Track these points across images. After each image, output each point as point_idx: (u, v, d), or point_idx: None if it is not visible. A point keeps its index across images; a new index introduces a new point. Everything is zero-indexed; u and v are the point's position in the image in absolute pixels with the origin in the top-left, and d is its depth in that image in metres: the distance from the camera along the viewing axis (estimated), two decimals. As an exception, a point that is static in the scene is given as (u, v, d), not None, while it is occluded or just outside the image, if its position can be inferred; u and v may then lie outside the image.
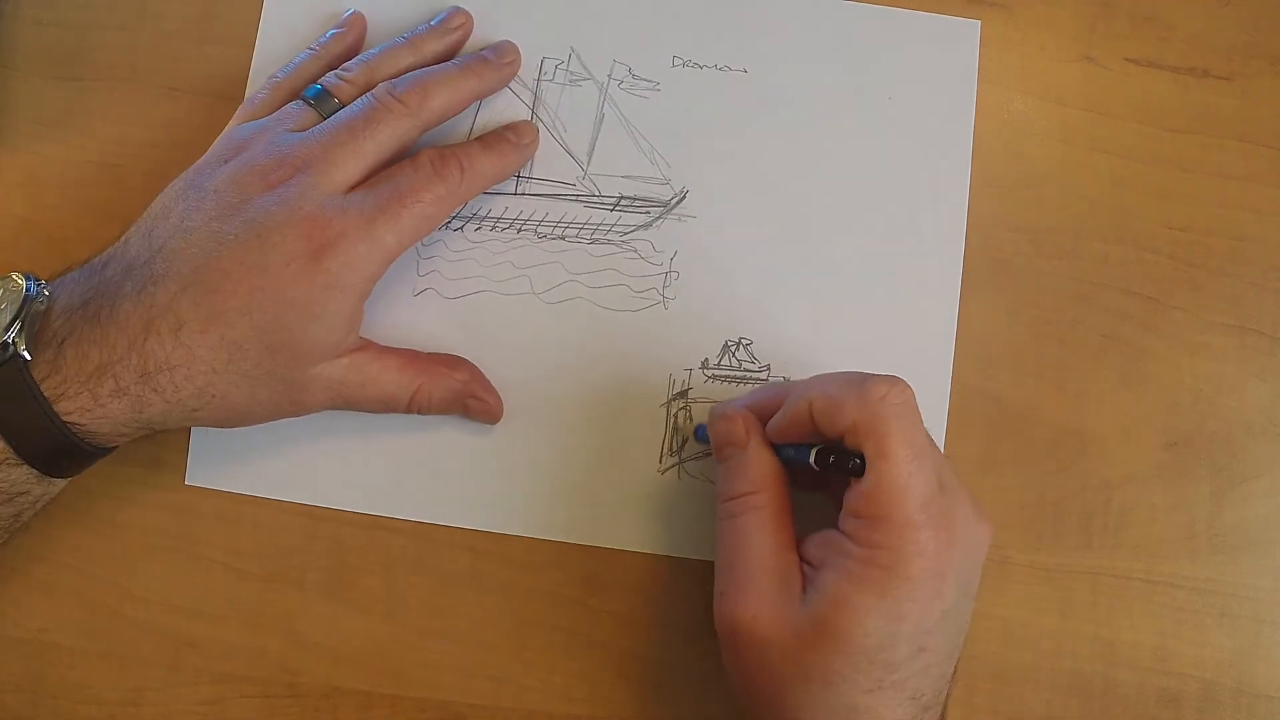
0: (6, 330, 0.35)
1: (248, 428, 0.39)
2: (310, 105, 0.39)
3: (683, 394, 0.42)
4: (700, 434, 0.41)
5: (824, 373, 0.36)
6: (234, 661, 0.42)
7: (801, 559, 0.35)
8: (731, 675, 0.36)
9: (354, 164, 0.37)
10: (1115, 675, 0.41)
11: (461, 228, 0.43)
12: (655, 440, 0.42)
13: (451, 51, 0.43)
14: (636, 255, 0.42)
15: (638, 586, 0.42)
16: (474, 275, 0.42)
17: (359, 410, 0.40)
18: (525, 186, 0.43)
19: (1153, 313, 0.42)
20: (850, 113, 0.43)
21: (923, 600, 0.32)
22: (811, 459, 0.34)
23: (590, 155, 0.43)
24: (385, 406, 0.40)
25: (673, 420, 0.42)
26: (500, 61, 0.42)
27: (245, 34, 0.44)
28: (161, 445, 0.42)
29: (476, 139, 0.42)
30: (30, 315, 0.35)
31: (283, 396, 0.38)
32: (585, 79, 0.43)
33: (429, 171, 0.38)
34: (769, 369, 0.42)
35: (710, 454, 0.40)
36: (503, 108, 0.43)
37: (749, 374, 0.42)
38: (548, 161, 0.43)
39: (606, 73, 0.43)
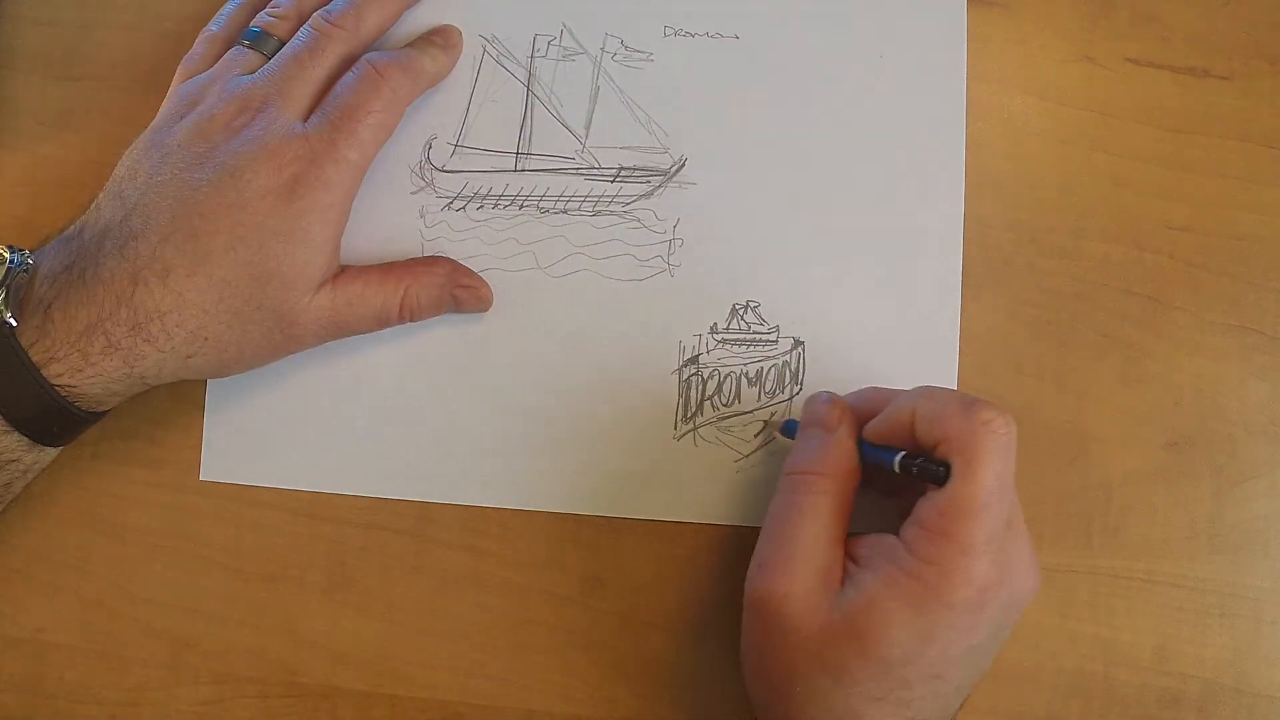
0: None
1: (262, 421, 0.40)
2: (250, 48, 0.40)
3: (694, 360, 0.42)
4: (787, 429, 0.40)
5: (932, 386, 0.36)
6: (234, 661, 0.42)
7: (848, 555, 0.35)
8: (747, 647, 0.36)
9: (306, 92, 0.39)
10: (1115, 675, 0.41)
11: (464, 207, 0.43)
12: (669, 407, 0.42)
13: None
14: (640, 225, 0.43)
15: (638, 586, 0.42)
16: (479, 254, 0.43)
17: (354, 333, 0.41)
18: (525, 163, 0.43)
19: (1153, 313, 0.42)
20: (842, 73, 0.43)
21: (956, 629, 0.32)
22: (896, 462, 0.34)
23: (588, 129, 0.43)
24: (378, 321, 0.40)
25: (685, 386, 0.42)
26: None
27: (245, 34, 0.44)
28: (162, 445, 0.42)
29: (409, 44, 0.42)
30: (14, 284, 0.36)
31: (275, 332, 0.38)
32: (579, 53, 0.43)
33: (374, 76, 0.39)
34: (778, 330, 0.42)
35: (726, 416, 0.41)
36: (498, 86, 0.43)
37: (759, 336, 0.42)
38: (546, 137, 0.43)
39: (599, 46, 0.43)
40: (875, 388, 0.39)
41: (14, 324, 0.35)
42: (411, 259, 0.42)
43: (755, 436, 0.42)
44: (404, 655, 0.42)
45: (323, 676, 0.42)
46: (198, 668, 0.42)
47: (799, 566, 0.34)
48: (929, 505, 0.33)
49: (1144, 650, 0.41)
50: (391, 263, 0.41)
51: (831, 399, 0.37)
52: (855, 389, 0.39)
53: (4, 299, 0.35)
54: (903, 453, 0.34)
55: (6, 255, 0.36)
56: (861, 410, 0.37)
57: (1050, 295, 0.42)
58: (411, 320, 0.41)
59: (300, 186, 0.37)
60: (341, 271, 0.40)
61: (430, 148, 0.43)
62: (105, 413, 0.39)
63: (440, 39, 0.43)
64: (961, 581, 0.32)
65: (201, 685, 0.42)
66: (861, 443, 0.36)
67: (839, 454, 0.36)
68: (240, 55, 0.40)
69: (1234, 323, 0.42)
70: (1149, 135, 0.43)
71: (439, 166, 0.43)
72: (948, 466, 0.33)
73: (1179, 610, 0.41)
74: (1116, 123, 0.43)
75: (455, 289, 0.41)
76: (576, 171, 0.43)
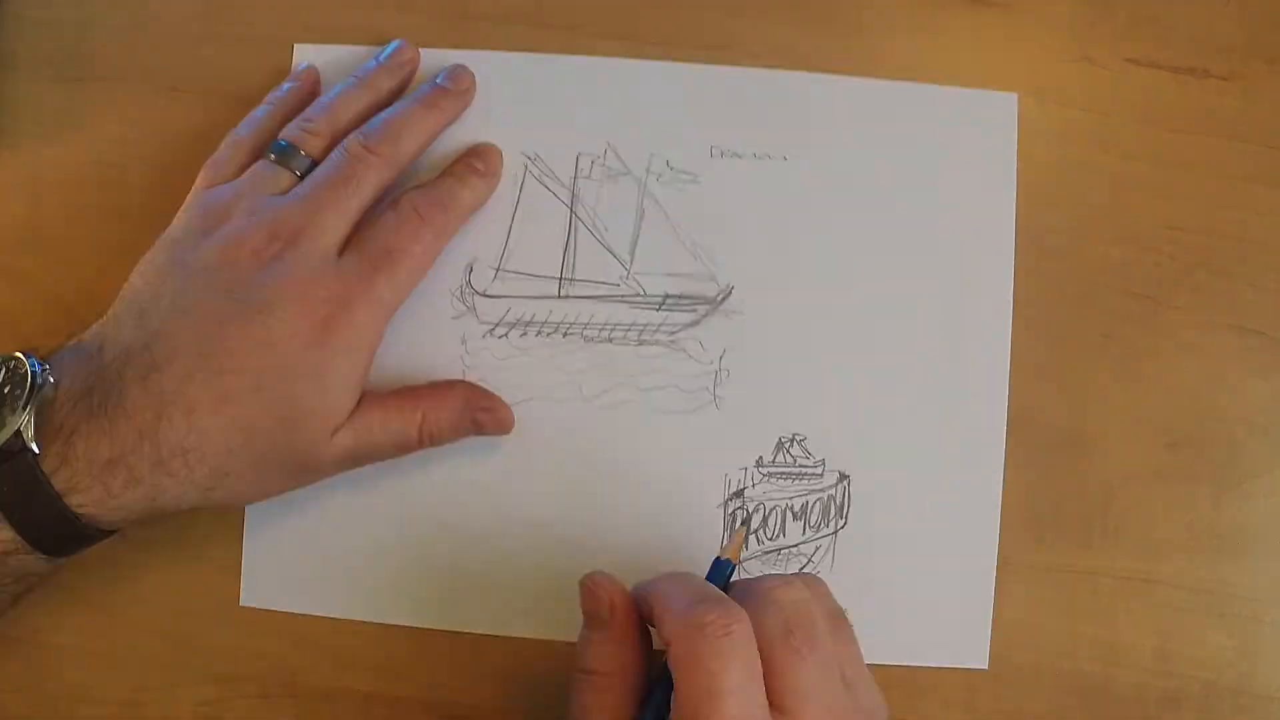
0: (16, 420, 0.34)
1: (301, 547, 0.40)
2: (278, 163, 0.39)
3: (739, 493, 0.41)
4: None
5: (678, 576, 0.33)
6: (234, 661, 0.42)
7: None
8: None
9: (341, 224, 0.38)
10: (1115, 675, 0.41)
11: (506, 334, 0.42)
12: (713, 541, 0.41)
13: (404, 86, 0.42)
14: (685, 355, 0.42)
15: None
16: (520, 383, 0.41)
17: (374, 461, 0.39)
18: (569, 289, 0.42)
19: (1153, 313, 0.42)
20: (891, 195, 0.42)
21: None
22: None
23: (633, 254, 0.42)
24: (398, 448, 0.39)
25: (730, 520, 0.41)
26: (458, 89, 0.41)
27: (245, 34, 0.44)
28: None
29: (447, 173, 0.41)
30: (39, 404, 0.34)
31: (295, 468, 0.37)
32: (623, 174, 0.42)
33: (415, 219, 0.38)
34: (824, 464, 0.41)
35: (771, 550, 0.40)
36: (541, 206, 0.42)
37: (804, 470, 0.41)
38: (590, 261, 0.42)
39: (644, 166, 0.42)
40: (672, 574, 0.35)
41: (38, 451, 0.34)
42: (430, 383, 0.41)
43: (799, 570, 0.41)
44: (404, 655, 0.42)
45: (323, 676, 0.42)
46: (198, 668, 0.42)
47: None
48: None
49: (1144, 650, 0.41)
50: (407, 387, 0.40)
51: (599, 584, 0.34)
52: (897, 524, 0.40)
53: (29, 421, 0.34)
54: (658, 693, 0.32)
55: (28, 367, 0.35)
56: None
57: (1050, 295, 0.42)
58: (431, 445, 0.40)
59: (331, 328, 0.36)
60: (361, 400, 0.38)
61: (471, 270, 0.42)
62: (119, 530, 0.37)
63: (481, 164, 0.41)
64: None
65: (201, 685, 0.42)
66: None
67: (613, 648, 0.33)
68: (268, 171, 0.39)
69: (1234, 323, 0.42)
70: (1149, 135, 0.43)
71: (481, 291, 0.42)
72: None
73: (1179, 610, 0.41)
74: (1116, 123, 0.43)
75: (476, 413, 0.40)
76: (621, 299, 0.42)
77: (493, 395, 0.41)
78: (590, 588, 0.34)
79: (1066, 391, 0.42)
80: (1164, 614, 0.41)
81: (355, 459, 0.39)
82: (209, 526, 0.42)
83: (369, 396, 0.39)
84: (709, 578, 0.34)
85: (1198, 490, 0.42)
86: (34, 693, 0.42)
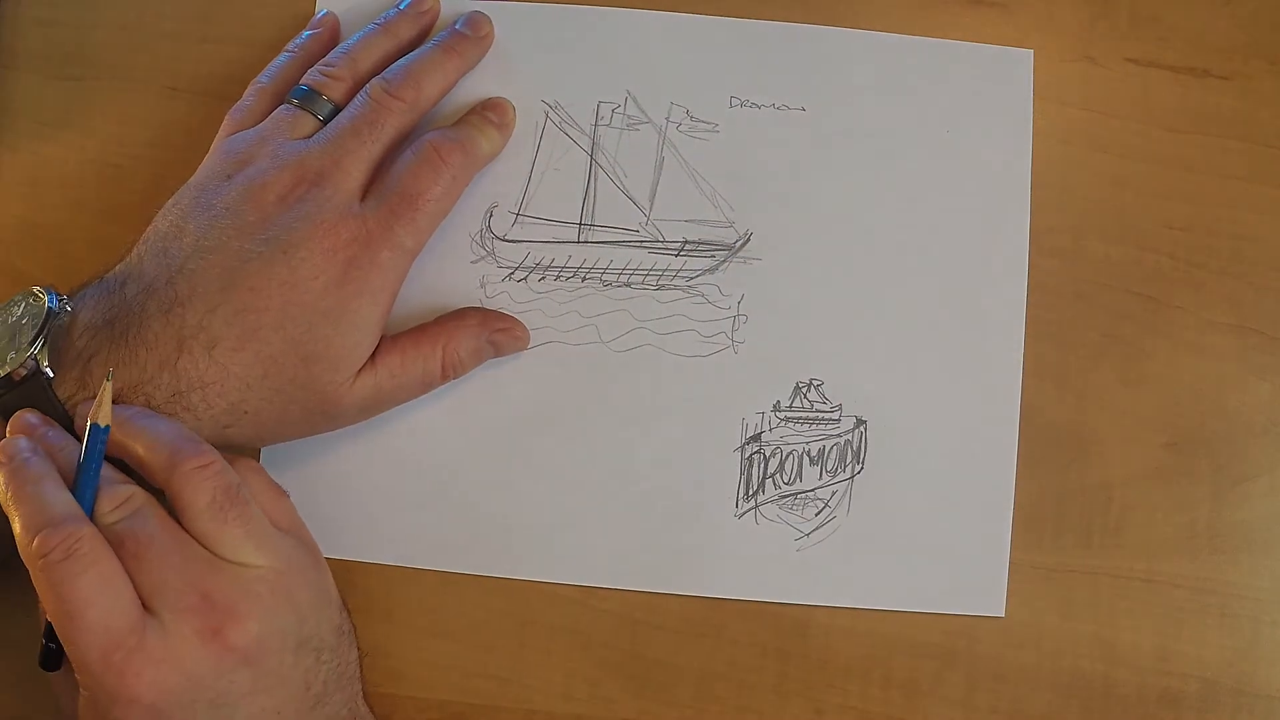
0: (30, 346, 0.34)
1: (314, 490, 0.40)
2: (300, 107, 0.39)
3: (756, 438, 0.42)
4: None
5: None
6: (234, 661, 0.42)
7: None
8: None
9: (364, 169, 0.38)
10: (1115, 675, 0.41)
11: (525, 278, 0.42)
12: (730, 485, 0.41)
13: (425, 33, 0.42)
14: (704, 300, 0.42)
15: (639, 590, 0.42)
16: (541, 326, 0.42)
17: (399, 403, 0.40)
18: (588, 234, 0.42)
19: (1153, 313, 0.42)
20: (909, 147, 0.43)
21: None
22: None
23: (652, 201, 0.42)
24: (422, 386, 0.40)
25: (747, 464, 0.41)
26: (477, 34, 0.42)
27: (245, 34, 0.44)
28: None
29: (462, 121, 0.41)
30: (53, 331, 0.35)
31: (316, 411, 0.38)
32: (643, 122, 0.43)
33: (435, 160, 0.38)
34: (840, 408, 0.42)
35: (788, 494, 0.41)
36: (561, 154, 0.42)
37: (821, 414, 0.42)
38: (610, 208, 0.42)
39: (664, 115, 0.43)
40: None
41: (52, 375, 0.35)
42: (439, 317, 0.41)
43: (816, 515, 0.41)
44: (404, 655, 0.42)
45: (323, 676, 0.42)
46: (198, 668, 0.42)
47: None
48: None
49: (1144, 650, 0.41)
50: (420, 326, 0.40)
51: None
52: (914, 471, 0.41)
53: (42, 347, 0.34)
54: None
55: (45, 299, 0.35)
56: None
57: (1050, 295, 0.42)
58: (455, 377, 0.40)
59: (354, 270, 0.37)
60: (379, 346, 0.39)
61: (491, 216, 0.42)
62: None
63: (496, 116, 0.41)
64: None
65: (201, 685, 0.42)
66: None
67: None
68: (290, 115, 0.39)
69: (1234, 323, 0.42)
70: (1149, 135, 0.43)
71: (500, 236, 0.42)
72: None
73: (1179, 610, 0.41)
74: (1116, 123, 0.43)
75: (492, 334, 0.41)
76: (640, 244, 0.42)
77: (506, 315, 0.41)
78: None
79: (1066, 391, 0.42)
80: (1164, 614, 0.41)
81: (379, 403, 0.39)
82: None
83: (387, 340, 0.39)
84: (85, 454, 0.33)
85: (1198, 490, 0.42)
86: (33, 693, 0.42)
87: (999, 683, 0.41)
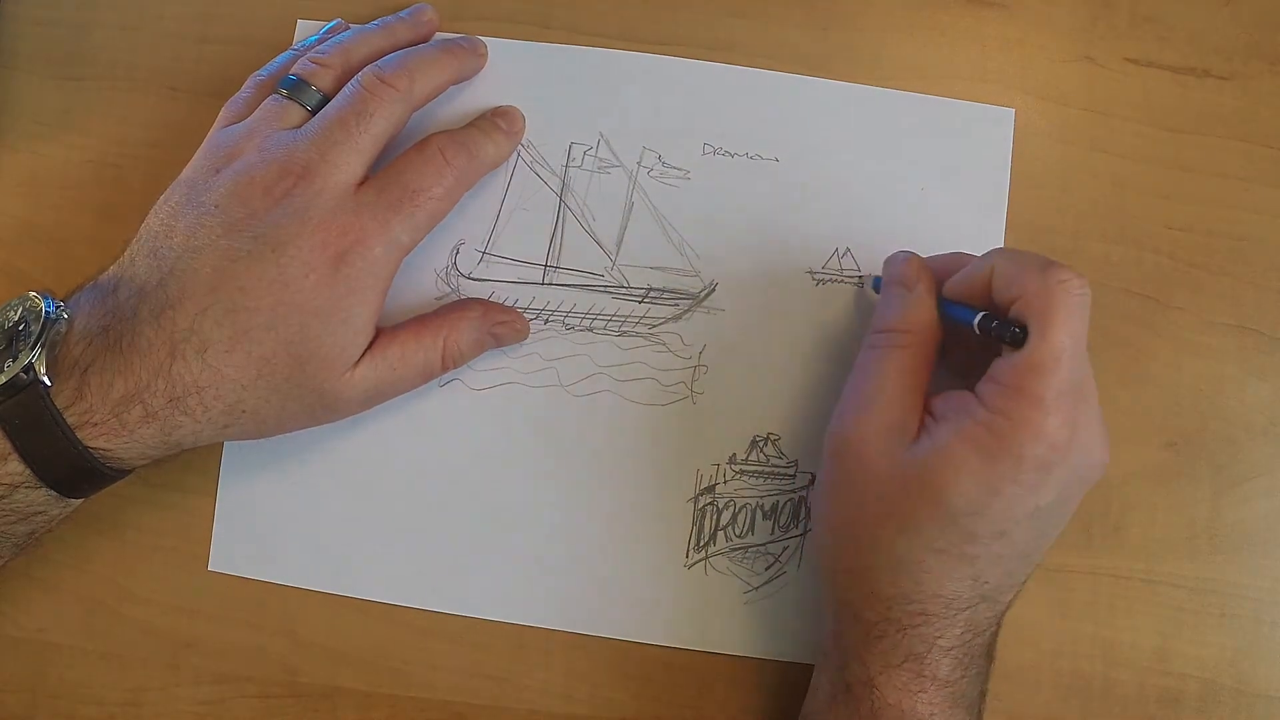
0: (28, 354, 0.34)
1: (272, 518, 0.41)
2: (289, 98, 0.39)
3: (710, 489, 0.41)
4: (875, 284, 0.40)
5: (1010, 248, 0.36)
6: (234, 661, 0.42)
7: (926, 411, 0.35)
8: (820, 492, 0.37)
9: (355, 161, 0.37)
10: (1115, 675, 0.41)
11: None
12: (682, 535, 0.41)
13: (421, 43, 0.42)
14: (665, 349, 0.42)
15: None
16: (501, 366, 0.42)
17: (400, 394, 0.40)
18: (553, 276, 0.42)
19: (1153, 313, 0.42)
20: (882, 203, 0.42)
21: (1023, 485, 0.32)
22: (975, 321, 0.34)
23: (619, 245, 0.42)
24: (423, 377, 0.40)
25: (700, 515, 0.41)
26: (474, 50, 0.42)
27: (245, 34, 0.44)
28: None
29: (471, 125, 0.41)
30: (50, 340, 0.35)
31: (316, 406, 0.38)
32: (615, 166, 0.42)
33: (440, 161, 0.38)
34: (796, 465, 0.42)
35: (739, 547, 0.41)
36: (531, 194, 0.42)
37: (777, 469, 0.41)
38: (576, 250, 0.42)
39: (636, 160, 0.42)
40: (957, 252, 0.39)
41: (49, 384, 0.34)
42: (442, 306, 0.41)
43: (766, 569, 0.41)
44: (404, 655, 0.42)
45: (323, 676, 0.42)
46: (198, 668, 0.42)
47: (878, 415, 0.35)
48: (1005, 363, 0.33)
49: (1144, 650, 0.41)
50: (422, 316, 0.40)
51: (909, 257, 0.38)
52: None
53: (40, 356, 0.34)
54: (982, 313, 0.34)
55: (42, 305, 0.35)
56: (941, 270, 0.37)
57: (1050, 295, 0.42)
58: (455, 367, 0.40)
59: (345, 266, 0.36)
60: (376, 337, 0.38)
61: (458, 253, 0.42)
62: (135, 469, 0.37)
63: (505, 123, 0.41)
64: (1030, 435, 0.32)
65: (201, 685, 0.42)
66: (941, 301, 0.37)
67: (918, 310, 0.36)
68: (278, 106, 0.39)
69: (1234, 323, 0.42)
70: (1149, 135, 0.43)
71: (466, 274, 0.42)
72: (1024, 328, 0.33)
73: (1179, 610, 0.41)
74: (1116, 123, 0.43)
75: (493, 326, 0.40)
76: (605, 289, 0.42)
77: (507, 308, 0.41)
78: (901, 262, 0.38)
79: (1066, 391, 0.42)
80: (1164, 614, 0.41)
81: (380, 394, 0.39)
82: (212, 525, 0.42)
83: (385, 332, 0.39)
84: (874, 287, 0.40)
85: (1198, 490, 0.42)
86: (34, 693, 0.42)
87: (999, 682, 0.41)
